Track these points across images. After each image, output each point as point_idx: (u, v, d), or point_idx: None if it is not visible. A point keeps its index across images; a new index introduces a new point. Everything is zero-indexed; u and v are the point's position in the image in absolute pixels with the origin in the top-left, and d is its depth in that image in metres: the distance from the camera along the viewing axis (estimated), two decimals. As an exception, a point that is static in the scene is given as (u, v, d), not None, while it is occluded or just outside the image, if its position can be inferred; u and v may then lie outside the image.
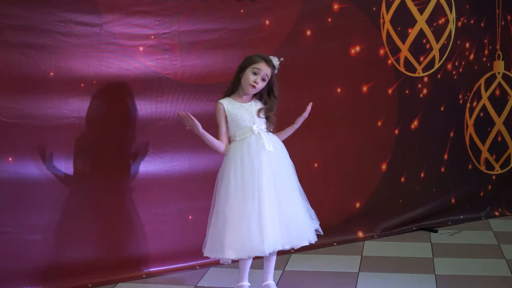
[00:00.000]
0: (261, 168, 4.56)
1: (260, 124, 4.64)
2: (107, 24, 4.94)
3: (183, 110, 5.25)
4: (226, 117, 4.63)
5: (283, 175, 4.67)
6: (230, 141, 4.67)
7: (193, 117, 4.52)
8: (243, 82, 4.61)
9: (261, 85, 4.61)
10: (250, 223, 4.51)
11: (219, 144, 4.62)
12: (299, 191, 4.73)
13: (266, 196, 4.54)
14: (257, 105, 4.67)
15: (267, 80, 4.62)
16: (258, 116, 4.65)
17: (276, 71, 4.67)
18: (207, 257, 5.18)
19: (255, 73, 4.59)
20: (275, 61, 4.67)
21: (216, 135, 4.64)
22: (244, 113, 4.62)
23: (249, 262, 4.74)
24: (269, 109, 4.67)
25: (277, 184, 4.61)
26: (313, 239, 4.74)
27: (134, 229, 5.19)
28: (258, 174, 4.55)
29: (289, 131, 4.77)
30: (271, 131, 4.71)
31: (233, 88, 4.67)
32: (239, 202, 4.53)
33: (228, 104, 4.63)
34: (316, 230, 4.76)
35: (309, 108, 4.74)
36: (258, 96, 4.69)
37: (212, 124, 5.25)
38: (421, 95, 6.42)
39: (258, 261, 4.83)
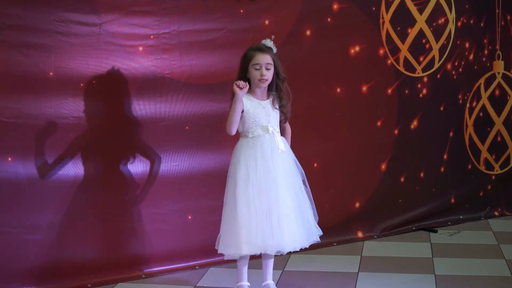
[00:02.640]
0: (276, 167, 4.57)
1: (274, 123, 4.64)
2: (106, 24, 4.94)
3: (183, 110, 5.26)
4: (242, 111, 4.59)
5: (294, 176, 4.68)
6: (241, 135, 4.67)
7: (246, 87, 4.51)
8: (252, 80, 4.60)
9: (268, 74, 4.59)
10: (270, 220, 4.52)
11: (235, 127, 4.57)
12: (304, 195, 4.73)
13: (282, 194, 4.56)
14: (275, 106, 4.67)
15: (271, 67, 4.60)
16: (274, 107, 4.64)
17: (275, 51, 4.64)
18: (206, 257, 5.21)
19: (257, 69, 4.58)
20: (268, 43, 4.65)
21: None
22: (261, 111, 4.61)
23: (246, 261, 4.74)
24: (280, 97, 4.65)
25: (289, 184, 4.63)
26: (316, 237, 4.77)
27: (133, 229, 5.18)
28: (274, 173, 4.56)
29: None
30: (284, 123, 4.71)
31: None
32: (256, 199, 4.53)
33: (247, 100, 4.61)
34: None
35: None
36: (272, 90, 4.67)
37: (212, 124, 5.27)
38: (421, 95, 6.42)
39: (257, 261, 4.83)
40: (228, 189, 4.63)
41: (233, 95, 4.59)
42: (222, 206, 4.65)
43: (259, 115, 4.60)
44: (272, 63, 4.60)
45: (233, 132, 4.58)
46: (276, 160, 4.58)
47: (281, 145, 4.61)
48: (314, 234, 4.74)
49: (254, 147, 4.59)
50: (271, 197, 4.54)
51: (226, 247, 4.60)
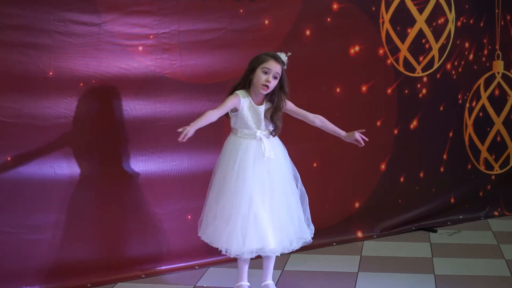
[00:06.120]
0: (255, 174, 4.55)
1: (264, 129, 4.63)
2: (106, 24, 4.94)
3: (182, 110, 5.26)
4: (235, 108, 4.58)
5: (280, 182, 4.66)
6: (232, 130, 4.66)
7: (187, 131, 4.40)
8: (255, 82, 4.57)
9: (273, 83, 4.57)
10: (235, 224, 4.53)
11: (210, 119, 4.52)
12: (296, 198, 4.72)
13: (255, 200, 4.54)
14: (267, 115, 4.65)
15: (278, 77, 4.58)
16: (265, 117, 4.63)
17: (285, 67, 4.64)
18: (206, 257, 5.22)
19: (265, 72, 4.56)
20: (283, 57, 4.63)
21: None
22: (252, 115, 4.60)
23: (247, 261, 4.74)
24: (276, 108, 4.62)
25: (273, 190, 4.61)
26: (296, 246, 4.73)
27: (133, 229, 5.18)
28: (251, 179, 4.55)
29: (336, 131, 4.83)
30: (273, 135, 4.67)
31: (243, 87, 4.63)
32: (227, 201, 4.56)
33: (244, 102, 4.59)
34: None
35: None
36: (270, 97, 4.64)
37: (211, 124, 5.26)
38: (421, 95, 6.42)
39: (258, 261, 4.83)
40: (211, 181, 4.70)
41: (234, 89, 4.61)
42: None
43: (250, 119, 4.59)
44: (280, 74, 4.58)
45: (214, 120, 4.55)
46: (259, 167, 4.57)
47: (268, 152, 4.58)
48: (291, 240, 4.68)
49: (239, 148, 4.60)
50: (247, 202, 4.53)
51: (203, 234, 4.70)
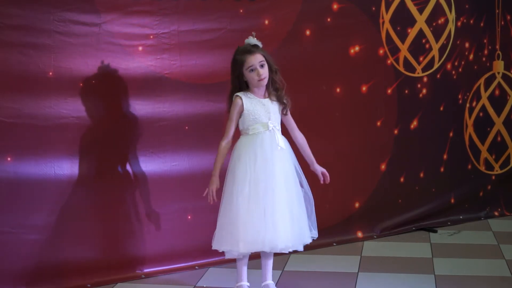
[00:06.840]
0: (275, 164, 4.57)
1: (275, 121, 4.63)
2: (106, 24, 4.94)
3: (182, 110, 5.26)
4: (241, 112, 4.60)
5: (293, 175, 4.67)
6: (241, 133, 4.66)
7: (212, 193, 4.58)
8: (251, 82, 4.59)
9: (265, 71, 4.58)
10: (265, 216, 4.51)
11: (226, 150, 4.63)
12: (300, 195, 4.72)
13: (279, 191, 4.55)
14: (273, 99, 4.66)
15: (265, 62, 4.59)
16: (271, 99, 4.63)
17: (261, 45, 4.63)
18: (206, 257, 5.21)
19: (252, 70, 4.57)
20: (253, 41, 4.64)
21: (223, 127, 4.65)
22: (260, 109, 4.60)
23: (246, 261, 4.73)
24: (276, 89, 4.64)
25: (287, 183, 4.62)
26: (308, 241, 4.75)
27: (133, 229, 5.18)
28: (272, 169, 4.55)
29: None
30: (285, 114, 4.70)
31: (240, 90, 4.63)
32: (252, 196, 4.53)
33: (246, 100, 4.60)
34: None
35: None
36: (268, 86, 4.66)
37: (211, 124, 5.27)
38: (421, 95, 6.42)
39: (257, 261, 4.83)
40: (226, 184, 4.63)
41: (231, 100, 4.61)
42: (222, 205, 4.66)
43: (258, 112, 4.60)
44: (264, 59, 4.59)
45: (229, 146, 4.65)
46: (276, 157, 4.58)
47: (281, 143, 4.61)
48: (307, 236, 4.71)
49: (254, 143, 4.59)
50: (268, 193, 4.54)
51: (222, 244, 4.60)
